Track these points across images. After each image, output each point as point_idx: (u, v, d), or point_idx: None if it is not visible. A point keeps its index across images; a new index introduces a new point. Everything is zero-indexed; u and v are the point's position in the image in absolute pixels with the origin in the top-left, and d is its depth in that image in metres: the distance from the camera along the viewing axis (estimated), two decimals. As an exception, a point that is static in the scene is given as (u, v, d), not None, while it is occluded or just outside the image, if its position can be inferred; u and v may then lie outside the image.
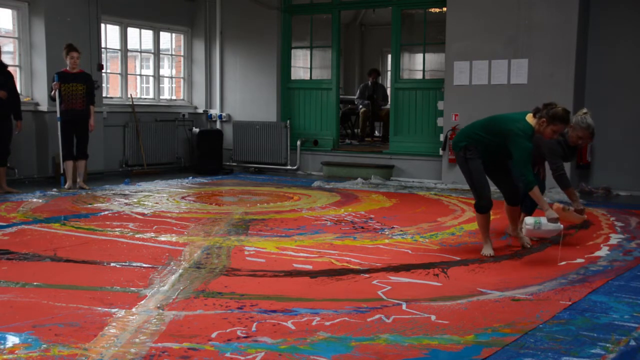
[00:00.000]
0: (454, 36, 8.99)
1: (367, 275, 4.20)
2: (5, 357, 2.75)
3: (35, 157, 9.14)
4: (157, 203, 7.21)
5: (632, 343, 3.03)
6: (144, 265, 4.42)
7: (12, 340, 2.96)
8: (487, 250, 4.92)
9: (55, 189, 8.06)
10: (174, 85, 12.26)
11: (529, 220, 4.72)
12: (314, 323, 3.25)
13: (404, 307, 3.55)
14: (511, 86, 8.61)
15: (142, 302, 3.57)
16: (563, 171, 5.17)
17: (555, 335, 3.12)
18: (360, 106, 12.20)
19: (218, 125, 11.43)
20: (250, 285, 3.95)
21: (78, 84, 8.13)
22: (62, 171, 8.25)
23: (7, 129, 7.89)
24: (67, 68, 8.16)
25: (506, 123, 4.73)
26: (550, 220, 4.62)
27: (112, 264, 4.45)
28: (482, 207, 4.90)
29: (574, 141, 5.18)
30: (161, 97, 11.49)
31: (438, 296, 3.77)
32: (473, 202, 5.07)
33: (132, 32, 10.83)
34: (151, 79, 11.41)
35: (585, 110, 5.20)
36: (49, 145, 9.07)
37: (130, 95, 10.66)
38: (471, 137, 4.92)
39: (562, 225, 4.71)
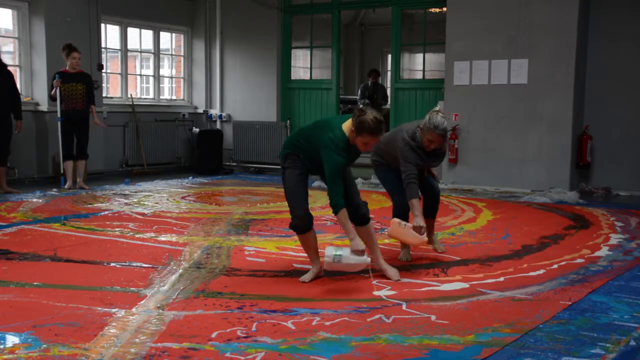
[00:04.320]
0: (454, 36, 8.99)
1: (367, 275, 4.20)
2: (5, 357, 2.75)
3: (35, 157, 9.14)
4: (157, 203, 7.21)
5: (632, 343, 3.03)
6: (144, 265, 4.42)
7: (12, 340, 2.96)
8: (309, 276, 4.12)
9: (55, 189, 8.06)
10: (174, 85, 12.26)
11: (328, 252, 3.89)
12: (314, 323, 3.24)
13: (404, 307, 3.54)
14: (511, 86, 8.60)
15: (142, 302, 3.57)
16: (412, 180, 4.40)
17: (555, 335, 3.12)
18: (360, 106, 12.19)
19: (218, 125, 11.43)
20: (250, 285, 3.95)
21: (78, 84, 8.13)
22: (62, 171, 8.25)
23: (7, 128, 7.90)
24: (67, 68, 8.16)
25: (320, 131, 3.94)
26: (354, 252, 3.85)
27: (112, 264, 4.45)
28: (296, 227, 4.07)
29: (427, 145, 4.42)
30: (161, 97, 11.49)
31: (438, 296, 3.77)
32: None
33: (132, 32, 10.83)
34: (151, 79, 11.41)
35: (437, 108, 4.52)
36: (49, 145, 9.07)
37: (130, 95, 10.66)
38: (294, 144, 4.07)
39: (368, 259, 3.93)
